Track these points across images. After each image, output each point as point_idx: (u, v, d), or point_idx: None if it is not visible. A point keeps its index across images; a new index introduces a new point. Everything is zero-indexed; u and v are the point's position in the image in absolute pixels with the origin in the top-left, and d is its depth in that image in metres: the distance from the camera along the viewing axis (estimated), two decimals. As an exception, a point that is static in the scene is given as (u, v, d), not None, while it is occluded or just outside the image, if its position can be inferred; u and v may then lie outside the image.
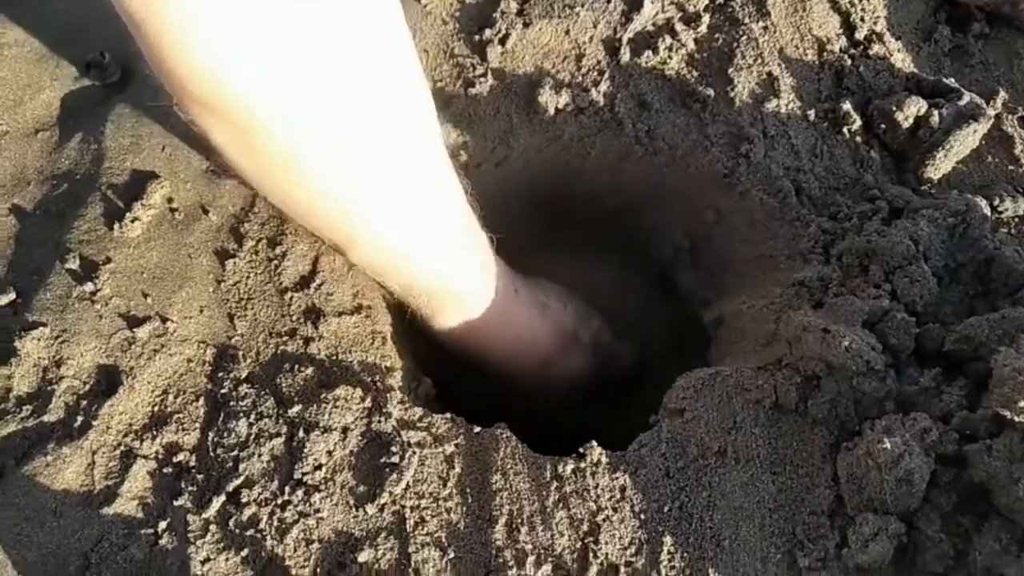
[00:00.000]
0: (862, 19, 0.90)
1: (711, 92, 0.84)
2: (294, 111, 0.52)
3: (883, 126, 0.83)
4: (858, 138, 0.83)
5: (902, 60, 0.89)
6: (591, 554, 0.61)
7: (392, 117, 0.58)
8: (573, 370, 0.86)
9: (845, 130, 0.83)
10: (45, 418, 0.63)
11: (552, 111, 0.83)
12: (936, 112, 0.81)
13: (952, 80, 0.84)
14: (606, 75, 0.85)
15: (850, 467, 0.62)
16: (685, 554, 0.61)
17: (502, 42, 0.84)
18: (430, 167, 0.64)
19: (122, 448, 0.63)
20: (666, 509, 0.63)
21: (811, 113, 0.84)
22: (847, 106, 0.84)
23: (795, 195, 0.79)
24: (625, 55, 0.85)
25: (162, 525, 0.60)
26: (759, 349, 0.73)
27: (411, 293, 0.72)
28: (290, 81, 0.50)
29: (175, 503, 0.61)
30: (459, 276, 0.73)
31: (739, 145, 0.82)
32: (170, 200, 0.73)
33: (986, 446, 0.59)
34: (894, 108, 0.82)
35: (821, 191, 0.80)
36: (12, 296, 0.68)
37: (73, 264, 0.69)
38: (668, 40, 0.86)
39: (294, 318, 0.69)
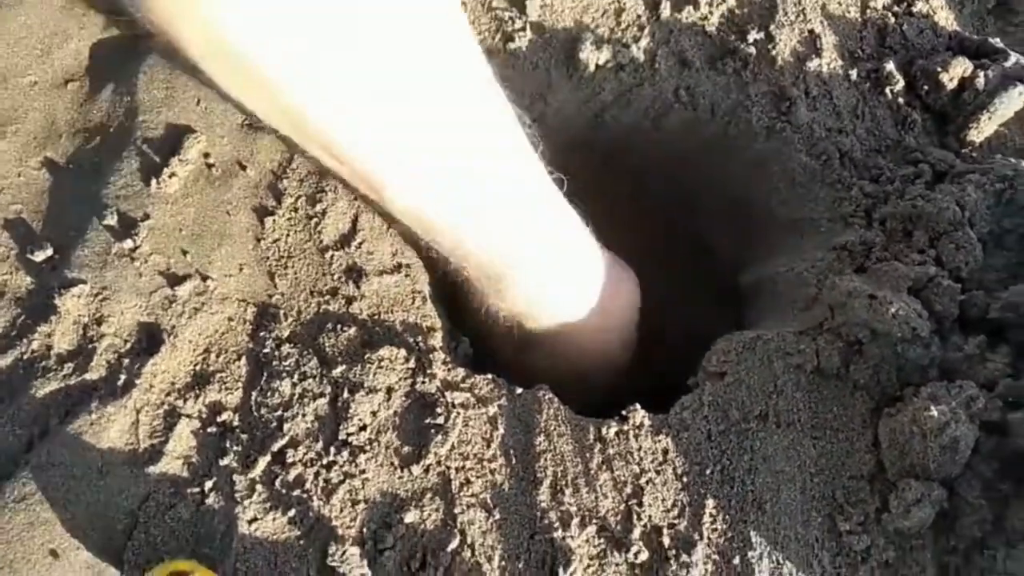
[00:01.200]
0: (906, -26, 0.88)
1: (752, 51, 0.82)
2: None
3: (926, 87, 0.82)
4: (900, 99, 0.82)
5: (945, 18, 0.88)
6: (635, 516, 0.61)
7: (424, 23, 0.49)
8: (632, 350, 0.77)
9: (887, 90, 0.82)
10: (87, 376, 0.63)
11: (592, 68, 0.81)
12: (982, 73, 0.80)
13: (998, 40, 0.83)
14: (646, 30, 0.83)
15: (892, 433, 0.63)
16: (727, 517, 0.62)
17: (541, -6, 0.82)
18: (471, 91, 0.55)
19: (166, 407, 0.63)
20: (708, 472, 0.63)
21: (853, 73, 0.83)
22: (890, 66, 0.82)
23: (837, 157, 0.78)
24: (665, 10, 0.84)
25: (208, 485, 0.60)
26: (798, 313, 0.73)
27: (471, 260, 0.64)
28: None
29: (220, 463, 0.61)
30: (536, 238, 0.64)
31: (780, 105, 0.81)
32: (207, 155, 0.72)
33: (1032, 415, 0.59)
34: (939, 69, 0.81)
35: (863, 153, 0.79)
36: (50, 252, 0.67)
37: (111, 220, 0.68)
38: (709, -6, 0.85)
39: (335, 277, 0.69)
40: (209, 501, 0.60)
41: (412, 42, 0.50)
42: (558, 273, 0.69)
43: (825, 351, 0.67)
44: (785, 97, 0.81)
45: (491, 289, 0.69)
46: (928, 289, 0.67)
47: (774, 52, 0.83)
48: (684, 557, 0.60)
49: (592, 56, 0.81)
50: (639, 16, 0.84)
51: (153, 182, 0.70)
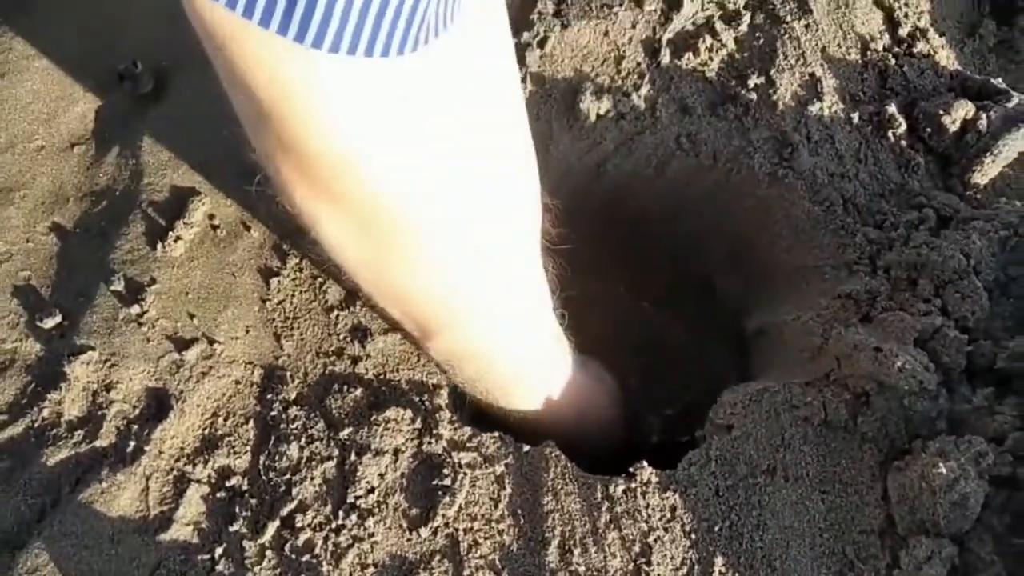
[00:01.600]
0: (905, 15, 0.88)
1: (753, 96, 0.82)
2: (433, 197, 0.47)
3: (929, 129, 0.82)
4: (903, 142, 0.82)
5: (946, 57, 0.87)
6: (644, 576, 0.61)
7: (516, 205, 0.56)
8: (620, 428, 0.87)
9: (890, 134, 0.82)
10: (97, 443, 0.64)
11: (593, 117, 0.81)
12: (984, 115, 0.80)
13: (1000, 80, 0.83)
14: (646, 78, 0.83)
15: (902, 488, 0.62)
16: (737, 574, 0.61)
17: (540, 45, 0.83)
18: (535, 257, 0.63)
19: (175, 473, 0.63)
20: (716, 529, 0.63)
21: (855, 116, 0.83)
22: (892, 109, 0.82)
23: (841, 203, 0.78)
24: (665, 57, 0.84)
25: (218, 551, 0.61)
26: (804, 363, 0.73)
27: (484, 380, 0.71)
28: (436, 166, 0.45)
29: (230, 528, 0.61)
30: (538, 366, 0.73)
31: (782, 150, 0.81)
32: (211, 217, 0.72)
33: (1042, 470, 0.59)
34: (941, 111, 0.80)
35: (866, 198, 0.79)
36: (59, 319, 0.67)
37: (118, 286, 0.68)
38: (708, 40, 0.85)
39: (341, 337, 0.69)
40: (219, 568, 0.60)
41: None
42: (551, 391, 0.76)
43: (832, 403, 0.67)
44: (787, 143, 0.81)
45: (491, 401, 0.74)
46: (935, 340, 0.67)
47: (775, 97, 0.83)
48: (694, 619, 0.60)
49: (593, 106, 0.81)
50: (639, 64, 0.84)
51: (159, 246, 0.70)
